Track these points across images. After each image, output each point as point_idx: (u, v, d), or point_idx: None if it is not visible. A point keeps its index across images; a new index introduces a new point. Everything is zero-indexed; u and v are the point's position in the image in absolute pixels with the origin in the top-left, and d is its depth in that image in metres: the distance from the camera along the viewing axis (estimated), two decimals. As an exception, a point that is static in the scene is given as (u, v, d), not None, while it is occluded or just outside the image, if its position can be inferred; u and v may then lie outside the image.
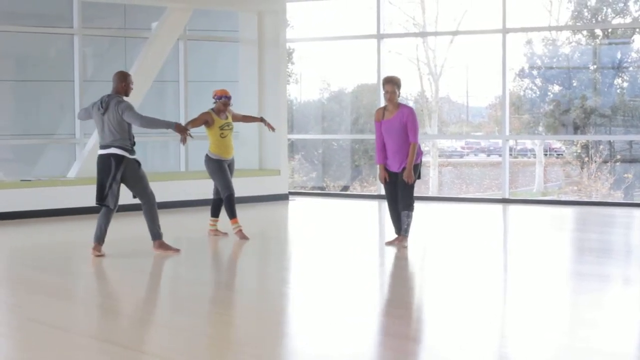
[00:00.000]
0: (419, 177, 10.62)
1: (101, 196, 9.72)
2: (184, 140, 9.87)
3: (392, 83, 10.44)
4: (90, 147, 14.72)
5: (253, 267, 9.93)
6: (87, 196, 13.98)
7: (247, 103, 16.60)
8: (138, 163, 9.89)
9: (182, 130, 9.81)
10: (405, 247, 10.39)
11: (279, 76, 16.68)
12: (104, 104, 9.72)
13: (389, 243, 10.64)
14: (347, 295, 8.04)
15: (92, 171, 14.43)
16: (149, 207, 9.91)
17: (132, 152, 9.79)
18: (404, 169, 10.39)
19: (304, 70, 20.18)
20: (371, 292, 8.35)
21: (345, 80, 19.87)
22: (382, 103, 16.99)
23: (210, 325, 7.03)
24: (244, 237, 11.14)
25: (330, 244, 11.46)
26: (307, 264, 9.99)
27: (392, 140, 10.45)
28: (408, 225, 10.46)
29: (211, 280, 9.16)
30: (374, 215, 15.24)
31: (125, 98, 9.86)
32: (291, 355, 6.11)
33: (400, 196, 10.45)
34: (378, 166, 10.68)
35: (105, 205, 9.76)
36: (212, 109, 11.27)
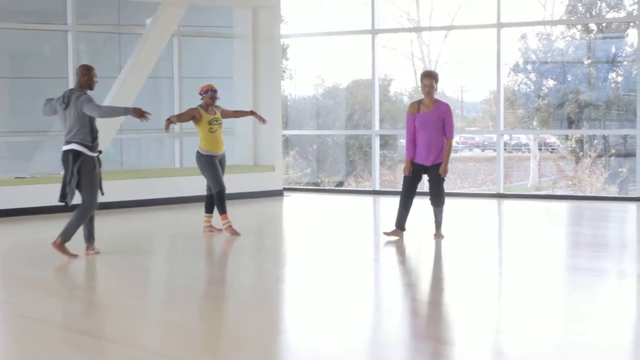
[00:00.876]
0: None
1: (63, 193, 9.50)
2: (144, 118, 9.52)
3: (430, 77, 10.64)
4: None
5: (248, 263, 9.92)
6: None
7: (241, 99, 16.59)
8: (94, 163, 9.56)
9: (141, 114, 9.49)
10: (442, 237, 10.76)
11: (273, 72, 16.66)
12: (66, 99, 9.49)
13: (388, 234, 10.85)
14: (342, 291, 8.04)
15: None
16: (83, 209, 9.55)
17: (92, 148, 9.50)
18: (435, 164, 10.59)
19: (299, 66, 20.17)
20: (366, 287, 8.35)
21: (340, 76, 19.86)
22: (377, 99, 17.13)
23: (204, 321, 7.03)
24: (234, 233, 11.14)
25: (324, 240, 11.45)
26: (302, 260, 9.98)
27: (427, 134, 10.59)
28: (441, 219, 10.82)
29: (206, 276, 9.15)
30: (369, 210, 15.25)
31: (89, 92, 9.61)
32: (285, 351, 6.11)
33: (432, 191, 10.67)
34: (406, 159, 10.75)
35: (65, 203, 9.53)
36: (200, 105, 11.29)
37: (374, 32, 17.12)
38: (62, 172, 9.60)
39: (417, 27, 19.00)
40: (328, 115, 19.89)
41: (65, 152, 9.49)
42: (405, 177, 10.78)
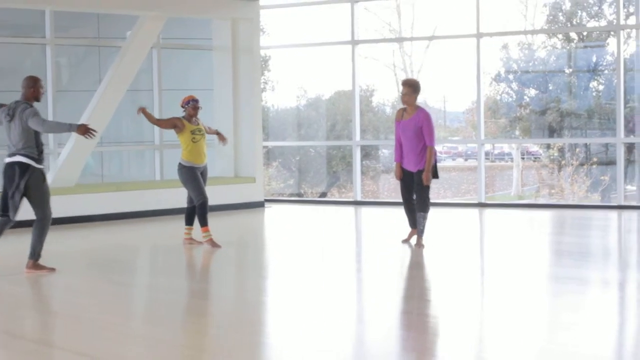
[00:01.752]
0: (436, 177, 11.00)
1: (4, 206, 9.31)
2: (91, 136, 9.35)
3: (407, 85, 10.87)
4: (64, 157, 14.61)
5: (229, 276, 9.85)
6: (62, 206, 13.93)
7: (222, 111, 16.54)
8: (43, 175, 9.40)
9: (85, 131, 9.30)
10: (422, 246, 10.78)
11: (253, 83, 16.61)
12: (11, 111, 9.28)
13: (405, 241, 11.18)
14: (324, 303, 7.98)
15: (67, 181, 14.47)
16: (42, 225, 9.39)
17: (38, 161, 9.33)
18: (420, 171, 10.78)
19: (281, 77, 20.13)
20: (349, 299, 8.28)
21: (322, 87, 19.83)
22: (358, 109, 17.12)
23: (185, 335, 6.95)
24: (215, 245, 11.07)
25: (306, 251, 11.39)
26: (284, 272, 9.92)
27: (407, 140, 10.87)
28: (423, 226, 10.88)
29: (186, 289, 9.07)
30: (352, 221, 15.19)
31: (35, 104, 9.43)
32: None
33: (416, 198, 10.89)
34: (395, 164, 11.11)
35: (6, 216, 9.34)
36: (183, 116, 11.25)
37: (354, 42, 17.10)
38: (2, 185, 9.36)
39: (398, 37, 18.98)
40: (310, 127, 19.84)
41: (11, 165, 9.27)
42: (400, 184, 11.07)
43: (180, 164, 11.19)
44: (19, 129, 9.24)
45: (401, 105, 11.12)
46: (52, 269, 9.54)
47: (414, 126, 10.73)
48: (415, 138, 10.75)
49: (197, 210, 11.09)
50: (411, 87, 10.81)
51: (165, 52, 16.58)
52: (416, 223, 10.94)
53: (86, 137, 9.39)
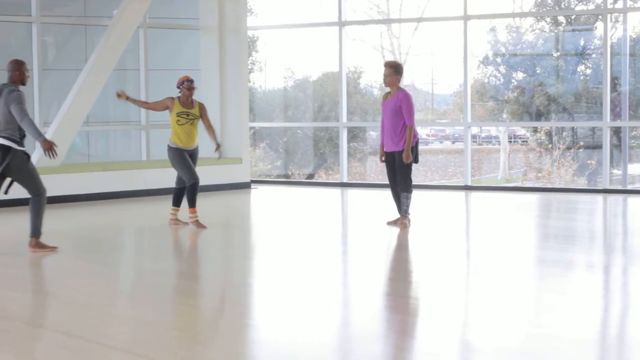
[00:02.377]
0: (416, 161, 11.00)
1: None
2: (51, 155, 9.29)
3: (389, 66, 10.90)
4: (49, 136, 14.52)
5: (215, 257, 9.82)
6: (48, 186, 13.82)
7: (208, 91, 16.47)
8: (27, 155, 9.38)
9: (48, 148, 9.24)
10: (407, 227, 10.85)
11: (240, 64, 16.55)
12: None
13: (390, 223, 11.13)
14: (310, 285, 7.97)
15: (53, 160, 14.37)
16: (37, 201, 9.36)
17: (20, 143, 9.29)
18: (400, 151, 10.81)
19: (268, 58, 20.08)
20: (335, 281, 8.28)
21: (309, 68, 19.80)
22: (345, 91, 17.08)
23: (172, 316, 6.93)
24: (200, 226, 11.05)
25: (292, 233, 11.37)
26: (270, 253, 9.91)
27: (387, 121, 10.93)
28: (407, 206, 10.96)
29: (173, 270, 9.05)
30: (338, 203, 15.19)
31: (21, 87, 9.37)
32: (254, 345, 6.03)
33: (398, 178, 10.89)
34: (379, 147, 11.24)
35: None
36: (178, 97, 11.15)
37: (341, 24, 17.05)
38: None
39: (385, 19, 18.94)
40: (297, 108, 19.81)
41: None
42: (386, 168, 11.12)
43: (168, 144, 11.14)
44: (3, 110, 9.17)
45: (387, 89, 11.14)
46: (54, 248, 9.51)
47: (394, 106, 10.77)
48: (395, 118, 10.78)
49: (187, 190, 11.03)
50: (392, 68, 10.84)
51: (151, 32, 16.49)
52: (401, 204, 10.99)
53: (46, 155, 9.25)
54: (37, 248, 9.44)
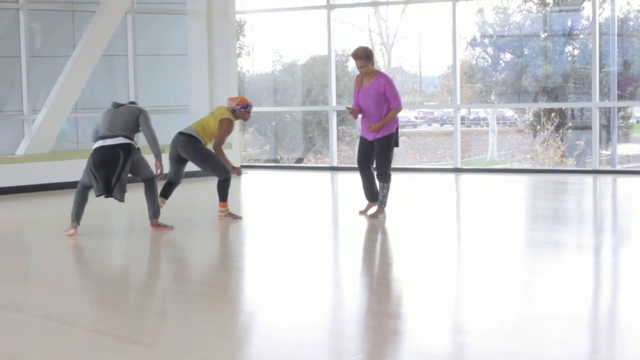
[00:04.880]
0: (396, 144, 10.57)
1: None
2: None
3: (358, 58, 10.28)
4: (38, 123, 14.50)
5: (205, 242, 9.83)
6: (36, 173, 13.87)
7: (197, 76, 16.45)
8: (138, 149, 9.79)
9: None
10: (377, 218, 10.44)
11: (228, 48, 16.52)
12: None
13: (362, 212, 10.73)
14: (300, 269, 7.99)
15: (42, 147, 14.38)
16: (154, 186, 9.86)
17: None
18: (378, 139, 10.36)
19: (256, 42, 20.05)
20: (325, 264, 8.30)
21: (298, 52, 19.77)
22: (334, 74, 17.08)
23: (162, 301, 6.95)
24: (236, 217, 10.78)
25: (282, 217, 11.38)
26: (260, 237, 9.93)
27: (369, 107, 10.36)
28: (383, 196, 10.51)
29: (163, 256, 9.06)
30: (328, 186, 15.20)
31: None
32: (245, 330, 6.05)
33: (376, 167, 10.47)
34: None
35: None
36: (234, 114, 10.70)
37: (329, 7, 17.04)
38: None
39: (373, 2, 18.92)
40: (286, 92, 19.80)
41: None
42: (358, 152, 10.67)
43: (197, 138, 10.57)
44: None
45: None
46: (171, 227, 9.97)
47: (375, 92, 10.29)
48: (377, 104, 10.32)
49: (221, 185, 10.71)
50: (362, 59, 10.26)
51: (139, 17, 16.45)
52: (372, 196, 10.62)
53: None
54: (158, 227, 9.87)
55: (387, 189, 10.50)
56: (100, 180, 9.39)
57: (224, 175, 10.57)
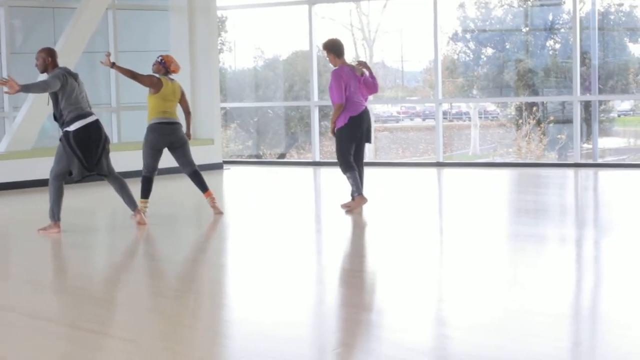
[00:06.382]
0: (368, 141, 10.74)
1: None
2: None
3: (327, 50, 10.49)
4: (20, 120, 14.45)
5: (188, 238, 9.82)
6: (18, 170, 13.81)
7: (179, 73, 16.37)
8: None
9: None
10: (344, 208, 10.48)
11: (210, 44, 16.50)
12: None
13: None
14: (285, 264, 7.99)
15: (24, 144, 14.33)
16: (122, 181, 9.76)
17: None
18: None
19: (238, 38, 20.01)
20: (307, 259, 8.30)
21: (279, 48, 19.77)
22: (316, 70, 17.08)
23: (147, 298, 6.94)
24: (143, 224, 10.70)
25: (265, 213, 11.38)
26: (243, 233, 9.92)
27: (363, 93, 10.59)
28: (350, 185, 10.49)
29: (146, 252, 9.05)
30: (310, 182, 15.20)
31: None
32: (229, 324, 6.05)
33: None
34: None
35: None
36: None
37: (310, 2, 17.02)
38: None
39: (355, -3, 18.93)
40: (268, 87, 19.78)
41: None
42: None
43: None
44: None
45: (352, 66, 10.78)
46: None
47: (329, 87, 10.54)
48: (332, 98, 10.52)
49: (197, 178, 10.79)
50: (325, 49, 10.50)
51: (121, 14, 16.40)
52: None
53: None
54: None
55: (349, 179, 10.47)
56: (90, 158, 9.27)
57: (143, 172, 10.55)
